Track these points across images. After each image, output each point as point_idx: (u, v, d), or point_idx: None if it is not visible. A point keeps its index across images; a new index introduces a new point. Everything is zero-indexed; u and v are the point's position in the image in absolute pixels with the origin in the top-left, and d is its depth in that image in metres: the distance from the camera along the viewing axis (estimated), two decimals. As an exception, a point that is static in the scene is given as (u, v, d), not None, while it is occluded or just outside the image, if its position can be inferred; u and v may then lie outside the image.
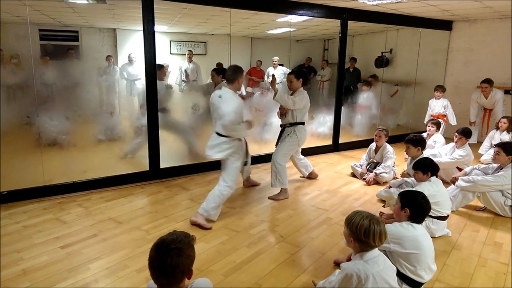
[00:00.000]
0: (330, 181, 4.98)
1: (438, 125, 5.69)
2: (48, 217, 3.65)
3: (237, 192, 4.34)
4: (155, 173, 4.80)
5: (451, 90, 7.29)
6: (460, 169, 4.59)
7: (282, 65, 8.09)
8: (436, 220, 3.29)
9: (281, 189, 4.29)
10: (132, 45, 7.10)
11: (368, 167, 5.06)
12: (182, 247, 1.63)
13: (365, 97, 7.42)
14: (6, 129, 4.32)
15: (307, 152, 5.59)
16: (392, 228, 2.41)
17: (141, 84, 6.41)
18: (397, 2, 5.47)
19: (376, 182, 4.85)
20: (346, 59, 6.48)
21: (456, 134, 4.72)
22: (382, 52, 7.95)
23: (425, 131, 5.74)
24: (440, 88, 6.47)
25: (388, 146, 4.98)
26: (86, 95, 5.47)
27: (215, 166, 5.22)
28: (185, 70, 6.90)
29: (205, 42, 8.36)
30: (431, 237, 2.71)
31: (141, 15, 4.38)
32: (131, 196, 4.29)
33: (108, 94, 6.49)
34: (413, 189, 3.04)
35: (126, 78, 6.81)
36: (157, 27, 4.50)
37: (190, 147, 5.38)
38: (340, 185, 4.82)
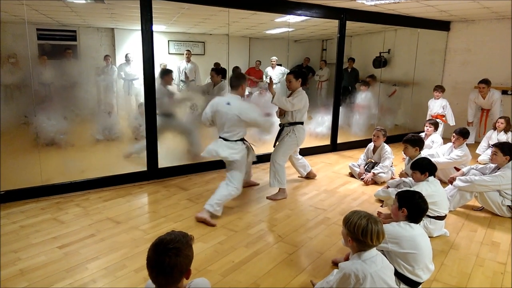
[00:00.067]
0: (328, 181, 4.98)
1: (436, 125, 5.70)
2: (46, 217, 3.64)
3: (235, 192, 4.34)
4: (153, 173, 4.80)
5: (449, 91, 7.30)
6: (457, 169, 4.60)
7: (280, 65, 8.09)
8: (434, 220, 3.30)
9: (279, 189, 4.30)
10: (130, 45, 7.09)
11: (366, 167, 5.07)
12: (180, 247, 1.63)
13: (363, 97, 7.43)
14: (4, 129, 4.30)
15: (305, 152, 5.59)
16: (390, 228, 2.42)
17: (139, 84, 6.41)
18: (395, 3, 5.48)
19: (374, 182, 4.86)
20: (344, 59, 6.49)
21: (454, 134, 4.74)
22: (380, 53, 7.96)
23: (423, 131, 5.75)
24: (439, 88, 6.48)
25: (386, 146, 4.98)
26: (84, 95, 5.47)
27: (213, 166, 5.24)
28: (185, 72, 6.90)
29: (203, 42, 8.36)
30: (429, 237, 2.72)
31: (139, 15, 4.37)
32: (129, 196, 4.28)
33: (106, 94, 6.49)
34: (411, 189, 3.04)
35: (123, 78, 6.81)
36: (155, 27, 4.49)
37: (189, 147, 5.38)
38: (338, 185, 4.83)
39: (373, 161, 5.11)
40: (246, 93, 6.04)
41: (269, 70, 8.11)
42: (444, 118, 6.47)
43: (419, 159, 3.56)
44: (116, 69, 6.77)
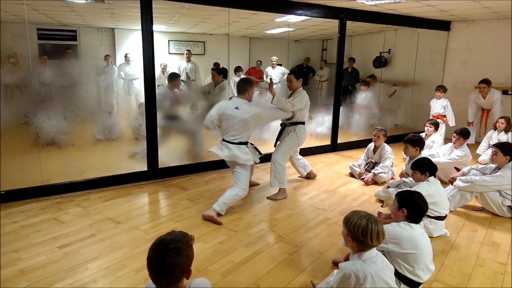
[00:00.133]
0: (328, 181, 4.98)
1: (436, 126, 5.70)
2: (46, 217, 3.64)
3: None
4: (154, 173, 4.80)
5: (449, 90, 7.28)
6: (458, 169, 4.60)
7: (280, 65, 8.09)
8: (434, 220, 3.30)
9: (280, 189, 4.30)
10: (130, 45, 7.09)
11: (366, 167, 5.07)
12: (180, 247, 1.63)
13: (363, 97, 7.43)
14: (4, 129, 4.30)
15: (305, 152, 5.59)
16: (390, 228, 2.42)
17: (139, 83, 6.41)
18: (395, 2, 5.48)
19: (375, 182, 4.86)
20: (344, 59, 6.48)
21: (454, 134, 4.73)
22: (380, 52, 7.96)
23: (424, 131, 5.75)
24: (441, 88, 6.47)
25: (387, 146, 4.98)
26: (84, 95, 5.47)
27: (214, 166, 5.24)
28: (186, 72, 6.90)
29: (204, 42, 8.36)
30: (429, 237, 2.72)
31: (140, 15, 4.37)
32: (129, 196, 4.28)
33: (106, 94, 6.49)
34: (411, 189, 3.04)
35: (123, 77, 6.81)
36: (156, 27, 4.49)
37: (191, 147, 5.39)
38: (338, 185, 4.83)
39: (374, 161, 5.11)
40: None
41: (269, 70, 8.11)
42: (445, 119, 6.46)
43: (420, 159, 3.55)
44: (116, 69, 6.77)
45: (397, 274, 2.34)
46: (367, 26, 7.41)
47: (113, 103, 6.54)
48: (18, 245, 3.07)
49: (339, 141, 6.60)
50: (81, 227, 3.42)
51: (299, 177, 5.05)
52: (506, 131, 5.68)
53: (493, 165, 3.99)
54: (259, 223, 3.63)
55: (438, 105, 6.51)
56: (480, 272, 2.83)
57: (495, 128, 5.88)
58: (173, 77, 5.37)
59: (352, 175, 5.19)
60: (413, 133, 4.43)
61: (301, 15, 5.73)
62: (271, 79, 4.23)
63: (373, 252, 2.06)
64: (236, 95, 3.90)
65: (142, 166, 4.76)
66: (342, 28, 6.13)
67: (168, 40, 7.99)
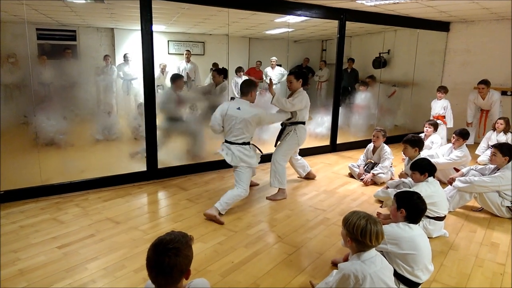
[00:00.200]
0: (327, 181, 4.98)
1: (435, 126, 5.71)
2: (45, 217, 3.64)
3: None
4: (153, 173, 4.79)
5: (448, 91, 7.30)
6: (457, 170, 4.60)
7: (280, 65, 8.10)
8: (433, 220, 3.30)
9: (279, 189, 4.30)
10: (130, 45, 7.09)
11: (365, 167, 5.07)
12: (180, 247, 1.63)
13: (362, 97, 7.44)
14: (3, 129, 4.30)
15: (305, 152, 5.60)
16: (389, 229, 2.42)
17: (138, 83, 6.41)
18: (395, 3, 5.49)
19: (374, 182, 4.86)
20: (344, 59, 6.49)
21: (454, 135, 4.74)
22: (380, 53, 7.97)
23: (423, 132, 5.75)
24: (442, 89, 6.48)
25: (386, 147, 4.99)
26: (83, 95, 5.47)
27: (213, 166, 5.25)
28: (187, 72, 6.90)
29: (203, 42, 8.36)
30: (428, 237, 2.72)
31: (139, 15, 4.37)
32: (128, 196, 4.28)
33: (106, 94, 6.49)
34: (410, 189, 3.04)
35: (122, 77, 6.81)
36: (155, 27, 4.49)
37: (191, 147, 5.39)
38: (337, 185, 4.83)
39: (373, 161, 5.11)
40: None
41: (268, 71, 8.11)
42: (445, 119, 6.46)
43: (419, 160, 3.56)
44: (115, 69, 6.77)
45: (396, 274, 2.34)
46: (366, 27, 7.41)
47: (112, 103, 6.53)
48: (17, 245, 3.06)
49: (339, 141, 6.61)
50: (80, 227, 3.42)
51: (298, 177, 5.05)
52: (505, 131, 5.69)
53: (492, 166, 3.99)
54: (258, 223, 3.63)
55: (439, 106, 6.51)
56: (479, 272, 2.83)
57: (494, 129, 5.88)
58: (176, 78, 5.37)
59: (351, 175, 5.19)
60: (413, 133, 4.43)
61: (301, 16, 5.74)
62: (270, 79, 4.23)
63: (372, 252, 2.07)
64: (236, 95, 3.92)
65: (142, 166, 4.76)
66: (342, 28, 6.14)
67: (168, 41, 7.99)
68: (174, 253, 1.61)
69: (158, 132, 4.76)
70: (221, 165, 5.17)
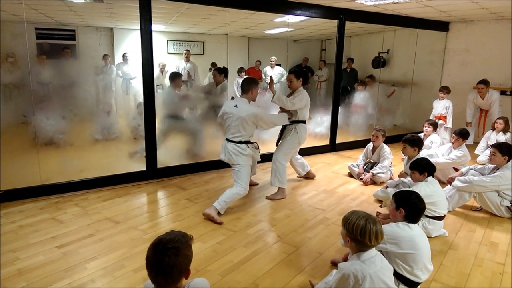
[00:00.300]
0: (327, 181, 4.99)
1: (434, 126, 5.71)
2: (45, 216, 3.63)
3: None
4: (152, 173, 4.79)
5: (450, 91, 7.31)
6: (456, 170, 4.61)
7: (279, 65, 8.10)
8: (432, 220, 3.30)
9: (279, 188, 4.30)
10: (129, 44, 7.09)
11: (365, 167, 5.07)
12: (179, 247, 1.63)
13: (360, 97, 7.44)
14: (2, 128, 4.30)
15: (304, 152, 5.59)
16: (388, 229, 2.42)
17: (137, 83, 6.41)
18: (394, 3, 5.49)
19: (373, 182, 4.86)
20: (343, 59, 6.49)
21: (453, 135, 4.75)
22: (379, 53, 7.98)
23: (422, 132, 5.76)
24: (445, 89, 6.48)
25: (385, 147, 4.99)
26: (82, 94, 5.46)
27: (212, 166, 5.24)
28: (187, 71, 6.90)
29: (203, 42, 8.36)
30: (428, 237, 2.72)
31: (138, 14, 4.36)
32: (128, 195, 4.28)
33: (105, 94, 6.48)
34: (409, 189, 3.04)
35: (121, 76, 6.81)
36: (155, 26, 4.48)
37: (190, 147, 5.39)
38: (337, 185, 4.83)
39: (372, 161, 5.12)
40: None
41: (268, 70, 8.11)
42: (446, 120, 6.47)
43: (418, 159, 3.56)
44: (115, 69, 6.77)
45: (396, 274, 2.34)
46: (366, 27, 7.42)
47: (111, 102, 6.53)
48: (16, 245, 3.06)
49: (338, 141, 6.61)
50: (79, 227, 3.41)
51: (297, 177, 5.05)
52: (505, 131, 5.70)
53: (492, 166, 3.99)
54: (258, 223, 3.63)
55: (441, 106, 6.51)
56: (478, 272, 2.83)
57: (494, 129, 5.89)
58: (175, 77, 5.38)
59: (350, 175, 5.19)
60: (412, 133, 4.44)
61: (300, 15, 5.74)
62: (271, 77, 4.24)
63: (372, 252, 2.06)
64: (238, 96, 3.92)
65: (141, 166, 4.75)
66: (341, 28, 6.13)
67: (167, 40, 7.99)
68: (174, 253, 1.60)
69: (157, 132, 4.76)
70: (221, 164, 5.16)
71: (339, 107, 6.57)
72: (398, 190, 3.06)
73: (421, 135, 5.53)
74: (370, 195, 4.39)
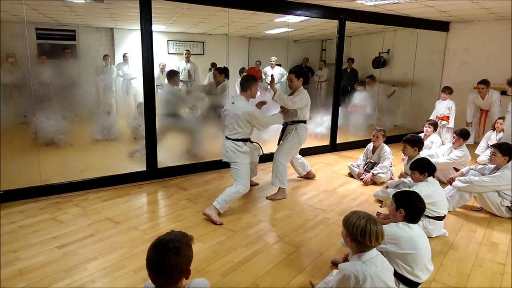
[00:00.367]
0: (327, 181, 4.98)
1: (435, 126, 5.71)
2: (45, 217, 3.63)
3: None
4: (153, 173, 4.79)
5: (453, 92, 7.32)
6: (457, 170, 4.61)
7: (279, 65, 8.10)
8: (433, 220, 3.30)
9: (279, 188, 4.30)
10: (129, 45, 7.09)
11: (365, 167, 5.07)
12: (180, 247, 1.63)
13: (361, 97, 7.44)
14: (3, 128, 4.30)
15: (304, 152, 5.59)
16: (389, 229, 2.42)
17: (137, 83, 6.41)
18: (394, 3, 5.49)
19: (373, 182, 4.86)
20: (343, 59, 6.49)
21: (454, 135, 4.75)
22: (379, 53, 7.97)
23: (422, 132, 5.76)
24: (447, 90, 6.48)
25: (386, 147, 4.99)
26: (83, 95, 5.46)
27: (213, 166, 5.24)
28: (188, 71, 6.90)
29: (203, 42, 8.36)
30: (428, 237, 2.72)
31: (139, 15, 4.37)
32: (128, 196, 4.28)
33: (105, 94, 6.49)
34: (409, 189, 3.04)
35: (122, 76, 6.81)
36: (155, 27, 4.48)
37: (190, 147, 5.39)
38: (337, 185, 4.83)
39: (373, 161, 5.11)
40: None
41: (268, 70, 8.11)
42: (449, 120, 6.46)
43: (419, 160, 3.56)
44: (115, 69, 6.77)
45: (396, 274, 2.34)
46: (366, 27, 7.42)
47: (111, 103, 6.53)
48: (16, 245, 3.06)
49: (338, 141, 6.61)
50: (79, 227, 3.41)
51: (297, 177, 5.05)
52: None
53: (492, 166, 3.99)
54: (258, 223, 3.63)
55: (443, 106, 6.51)
56: (478, 272, 2.83)
57: (494, 129, 5.89)
58: (173, 74, 5.40)
59: (351, 175, 5.19)
60: (412, 133, 4.44)
61: (300, 16, 5.74)
62: (272, 75, 4.24)
63: (373, 253, 2.06)
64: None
65: (141, 166, 4.75)
66: (341, 28, 6.13)
67: (167, 40, 7.99)
68: (174, 253, 1.60)
69: (158, 132, 4.76)
70: (221, 164, 5.17)
71: (340, 107, 6.57)
72: (398, 190, 3.06)
73: (422, 135, 5.53)
74: (370, 195, 4.39)
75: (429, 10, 6.12)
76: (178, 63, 7.28)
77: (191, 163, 5.19)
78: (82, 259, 2.86)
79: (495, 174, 3.80)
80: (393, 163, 5.14)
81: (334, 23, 6.13)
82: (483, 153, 5.84)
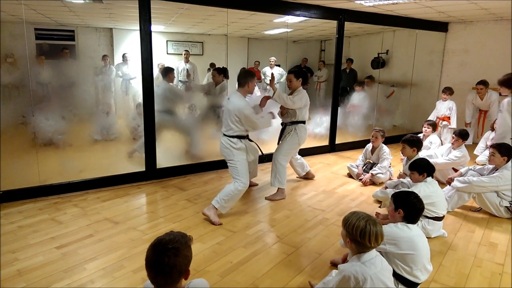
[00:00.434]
0: (326, 181, 4.99)
1: (434, 126, 5.72)
2: (44, 217, 3.63)
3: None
4: (152, 173, 4.79)
5: (454, 92, 7.32)
6: (456, 170, 4.61)
7: (278, 65, 8.10)
8: (432, 220, 3.31)
9: (278, 189, 4.30)
10: (128, 45, 7.09)
11: (364, 167, 5.08)
12: (179, 247, 1.63)
13: (360, 97, 7.44)
14: (2, 129, 4.29)
15: (304, 152, 5.59)
16: (388, 229, 2.42)
17: (136, 83, 6.41)
18: (393, 4, 5.49)
19: (372, 182, 4.87)
20: (342, 60, 6.50)
21: (453, 135, 4.76)
22: (378, 53, 7.98)
23: (421, 132, 5.76)
24: (448, 90, 6.49)
25: (385, 147, 4.99)
26: (82, 95, 5.46)
27: (212, 166, 5.24)
28: (187, 70, 6.90)
29: (202, 42, 8.36)
30: (427, 237, 2.72)
31: (138, 15, 4.36)
32: (127, 196, 4.27)
33: (104, 94, 6.49)
34: (408, 189, 3.04)
35: (121, 76, 6.81)
36: (154, 27, 4.48)
37: (188, 147, 5.39)
38: (336, 185, 4.83)
39: (372, 161, 5.12)
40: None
41: (267, 71, 8.11)
42: (450, 120, 6.47)
43: (417, 160, 3.56)
44: (114, 69, 6.77)
45: (395, 274, 2.34)
46: (365, 27, 7.42)
47: (111, 103, 6.53)
48: (15, 246, 3.05)
49: (337, 141, 6.61)
50: (78, 228, 3.41)
51: (297, 177, 5.05)
52: (504, 132, 5.69)
53: (491, 166, 4.00)
54: (257, 223, 3.63)
55: (444, 107, 6.52)
56: (477, 272, 2.84)
57: (493, 129, 5.89)
58: (168, 71, 5.39)
59: (350, 175, 5.19)
60: (411, 133, 4.44)
61: (299, 16, 5.74)
62: (272, 74, 4.23)
63: (373, 253, 2.06)
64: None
65: (140, 167, 4.75)
66: (340, 29, 6.14)
67: (167, 41, 7.98)
68: (174, 253, 1.60)
69: (156, 131, 4.75)
70: (220, 165, 5.18)
71: (339, 108, 6.57)
72: (397, 190, 3.06)
73: (421, 135, 5.53)
74: (369, 196, 4.39)
75: (428, 11, 6.13)
76: (177, 63, 7.28)
77: (190, 163, 5.19)
78: (81, 260, 2.86)
79: (494, 174, 3.81)
80: (392, 163, 5.15)
81: (333, 23, 6.14)
82: (482, 153, 5.85)
